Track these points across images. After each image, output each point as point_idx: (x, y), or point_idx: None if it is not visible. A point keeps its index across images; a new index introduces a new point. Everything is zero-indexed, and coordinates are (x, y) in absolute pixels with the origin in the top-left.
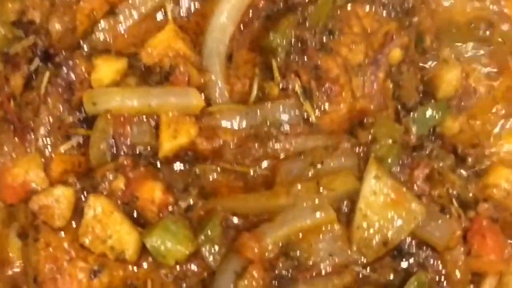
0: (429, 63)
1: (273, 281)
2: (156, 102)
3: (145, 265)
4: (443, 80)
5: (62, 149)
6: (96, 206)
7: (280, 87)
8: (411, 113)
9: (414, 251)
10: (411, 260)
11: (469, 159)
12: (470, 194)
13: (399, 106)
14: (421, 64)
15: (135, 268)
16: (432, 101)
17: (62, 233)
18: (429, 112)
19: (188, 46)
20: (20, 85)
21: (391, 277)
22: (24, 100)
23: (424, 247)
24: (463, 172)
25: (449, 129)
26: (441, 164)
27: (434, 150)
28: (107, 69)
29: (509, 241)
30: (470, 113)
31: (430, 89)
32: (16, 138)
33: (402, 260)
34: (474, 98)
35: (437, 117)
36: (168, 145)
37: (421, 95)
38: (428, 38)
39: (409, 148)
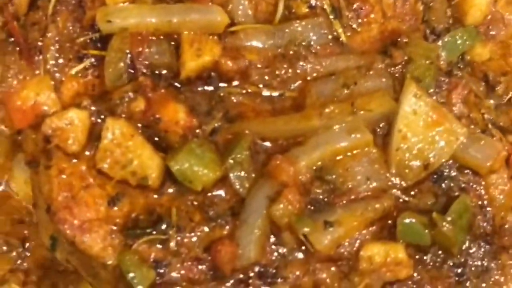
0: None
1: (308, 206)
2: (178, 18)
3: (168, 191)
4: (472, 4)
5: (74, 70)
6: (114, 129)
7: (308, 6)
8: (439, 38)
9: (455, 175)
10: (452, 185)
11: (499, 87)
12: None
13: (427, 31)
14: None
15: (156, 195)
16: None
17: (76, 159)
18: (459, 37)
19: None
20: (25, 4)
21: (431, 202)
22: (29, 20)
23: (466, 171)
24: (492, 101)
25: (479, 56)
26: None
27: (464, 77)
28: None
29: None
30: (498, 41)
31: (458, 14)
32: (22, 61)
33: (442, 184)
34: (502, 25)
35: (467, 43)
36: (192, 64)
37: (449, 20)
38: None
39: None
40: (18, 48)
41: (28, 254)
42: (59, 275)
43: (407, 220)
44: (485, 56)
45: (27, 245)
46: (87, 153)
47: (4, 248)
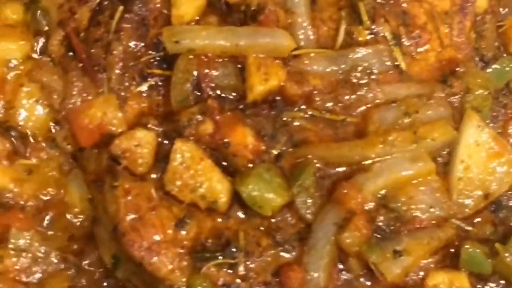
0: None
1: (374, 234)
2: (246, 42)
3: (235, 215)
4: None
5: (139, 89)
6: (183, 152)
7: (369, 32)
8: (489, 66)
9: None
10: (510, 214)
11: None
12: None
13: (477, 58)
14: None
15: (223, 219)
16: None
17: (142, 180)
18: (505, 65)
19: None
20: (86, 19)
21: (490, 231)
22: (91, 36)
23: None
24: None
25: None
26: None
27: (508, 104)
28: (189, 5)
29: None
30: None
31: (504, 42)
32: (85, 77)
33: (500, 214)
34: None
35: None
36: (260, 88)
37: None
38: None
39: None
40: (80, 65)
41: (85, 270)
42: None
43: (470, 249)
44: None
45: (83, 262)
46: (153, 174)
47: (62, 265)
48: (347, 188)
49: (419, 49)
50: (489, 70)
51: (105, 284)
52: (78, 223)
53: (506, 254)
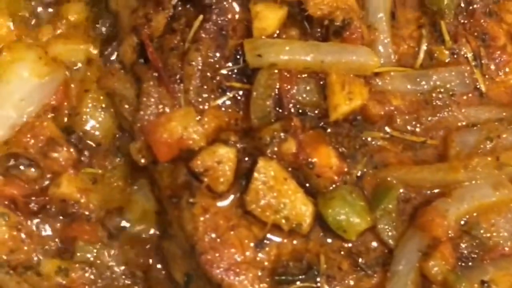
0: None
1: (459, 262)
2: (330, 59)
3: (315, 237)
4: None
5: (217, 102)
6: (267, 171)
7: (451, 52)
8: None
9: None
10: None
11: None
12: None
13: None
14: None
15: (303, 240)
16: None
17: (221, 197)
18: None
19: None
20: (162, 27)
21: None
22: (167, 45)
23: None
24: None
25: None
26: None
27: None
28: (271, 17)
29: None
30: None
31: None
32: (161, 88)
33: None
34: None
35: None
36: (345, 107)
37: None
38: None
39: None
40: (155, 74)
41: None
42: None
43: None
44: None
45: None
46: (232, 193)
47: (128, 281)
48: (433, 215)
49: (499, 71)
50: None
51: None
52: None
53: None
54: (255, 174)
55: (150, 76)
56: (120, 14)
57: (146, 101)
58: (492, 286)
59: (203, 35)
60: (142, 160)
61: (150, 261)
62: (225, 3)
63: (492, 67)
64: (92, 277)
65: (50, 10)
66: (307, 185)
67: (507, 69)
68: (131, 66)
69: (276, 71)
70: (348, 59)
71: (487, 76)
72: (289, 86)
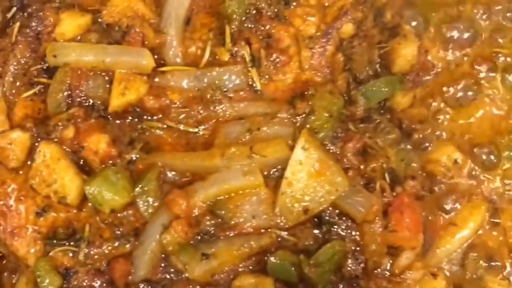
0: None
1: (196, 236)
2: (110, 59)
3: (85, 209)
4: (399, 55)
5: (25, 95)
6: (46, 152)
7: (230, 54)
8: (361, 86)
9: (334, 220)
10: (331, 229)
11: (415, 135)
12: (403, 171)
13: (350, 79)
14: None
15: (75, 211)
16: (385, 75)
17: (16, 173)
18: (378, 86)
19: (149, 8)
20: None
21: (309, 243)
22: None
23: (344, 218)
24: (408, 146)
25: (397, 104)
26: (385, 137)
27: (382, 122)
28: (70, 23)
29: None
30: (427, 89)
31: (387, 63)
32: None
33: (321, 228)
34: (432, 74)
35: (386, 91)
36: (116, 101)
37: (378, 69)
38: (388, 13)
39: (354, 120)
40: None
41: None
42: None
43: (276, 259)
44: (404, 104)
45: None
46: (27, 168)
47: None
48: (176, 194)
49: (277, 71)
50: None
51: None
52: None
53: (307, 268)
54: (36, 154)
55: None
56: None
57: None
58: (211, 258)
59: (21, 39)
60: None
61: None
62: (43, 12)
63: (271, 67)
64: None
65: None
66: (83, 164)
67: (285, 68)
68: None
69: (68, 69)
70: (126, 59)
71: (267, 76)
72: (78, 82)
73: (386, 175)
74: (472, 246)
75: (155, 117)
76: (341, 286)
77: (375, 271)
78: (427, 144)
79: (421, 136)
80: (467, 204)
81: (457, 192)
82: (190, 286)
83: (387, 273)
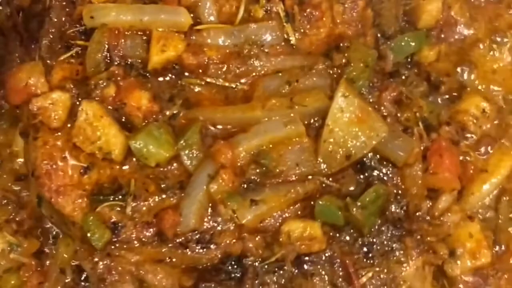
0: None
1: (243, 185)
2: (148, 18)
3: (129, 165)
4: (424, 10)
5: (62, 57)
6: (88, 110)
7: (264, 10)
8: (389, 41)
9: (376, 165)
10: (373, 174)
11: (442, 87)
12: (436, 120)
13: (378, 34)
14: None
15: (119, 167)
16: (410, 31)
17: (58, 133)
18: (406, 41)
19: None
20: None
21: (353, 188)
22: (31, 12)
23: (385, 163)
24: (438, 98)
25: (425, 58)
26: (414, 90)
27: (410, 76)
28: None
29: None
30: (449, 43)
31: (412, 18)
32: (22, 47)
33: (363, 173)
34: (455, 29)
35: (413, 46)
36: (156, 58)
37: (403, 24)
38: None
39: (385, 74)
40: (19, 37)
41: (22, 208)
42: (47, 228)
43: (323, 202)
44: (431, 58)
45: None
46: (68, 127)
47: (4, 201)
48: (220, 146)
49: (311, 26)
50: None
51: None
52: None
53: (354, 209)
54: (78, 113)
55: (14, 37)
56: None
57: (10, 57)
58: (260, 204)
59: (56, 3)
60: (5, 104)
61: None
62: None
63: (305, 22)
64: None
65: None
66: (125, 121)
67: (319, 23)
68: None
69: (106, 30)
70: (163, 18)
71: (301, 31)
72: (116, 42)
73: (420, 124)
74: (503, 191)
75: (193, 74)
76: (386, 227)
77: (416, 214)
78: (455, 94)
79: (448, 88)
80: (497, 150)
81: (487, 138)
82: (237, 234)
83: (427, 216)
